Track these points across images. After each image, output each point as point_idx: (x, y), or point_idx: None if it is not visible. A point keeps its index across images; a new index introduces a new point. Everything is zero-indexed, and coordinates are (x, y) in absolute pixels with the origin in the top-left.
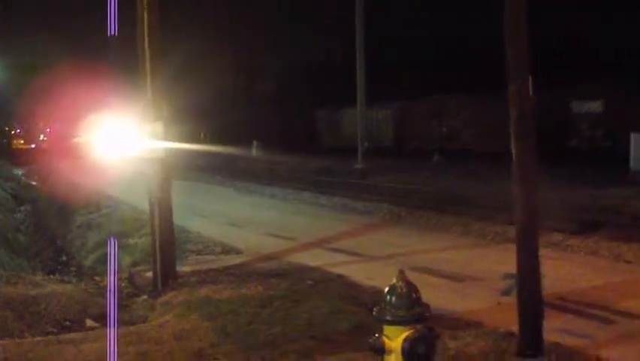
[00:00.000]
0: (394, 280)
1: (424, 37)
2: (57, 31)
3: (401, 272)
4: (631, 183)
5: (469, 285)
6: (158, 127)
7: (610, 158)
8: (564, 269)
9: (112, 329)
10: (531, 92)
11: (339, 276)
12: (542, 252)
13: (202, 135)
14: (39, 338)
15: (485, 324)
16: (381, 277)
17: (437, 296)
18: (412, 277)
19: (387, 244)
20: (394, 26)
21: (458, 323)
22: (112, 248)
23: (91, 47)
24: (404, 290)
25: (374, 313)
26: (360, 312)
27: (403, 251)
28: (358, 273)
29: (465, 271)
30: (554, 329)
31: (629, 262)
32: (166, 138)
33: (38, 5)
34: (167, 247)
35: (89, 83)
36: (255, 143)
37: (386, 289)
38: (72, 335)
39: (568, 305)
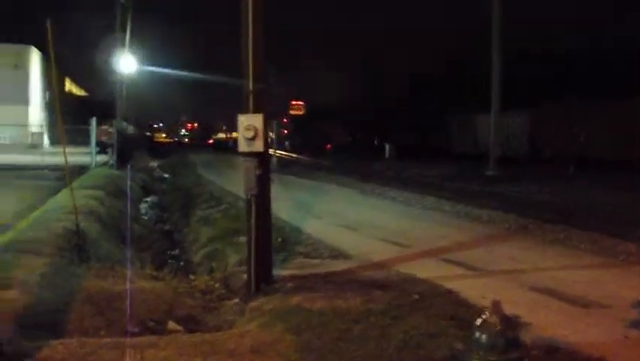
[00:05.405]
0: (487, 314)
1: (560, 40)
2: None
3: (496, 304)
4: None
5: (593, 312)
6: (258, 120)
7: None
8: None
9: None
10: None
11: (449, 291)
12: None
13: (336, 136)
14: (107, 340)
15: None
16: (495, 296)
17: (555, 323)
18: (531, 298)
19: (507, 258)
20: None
21: (576, 358)
22: None
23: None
24: (498, 328)
25: (457, 350)
26: (464, 337)
27: (524, 267)
28: (471, 289)
29: (590, 295)
30: None
31: None
32: (265, 132)
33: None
34: (263, 248)
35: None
36: (387, 146)
37: (477, 321)
38: (142, 339)
39: None
